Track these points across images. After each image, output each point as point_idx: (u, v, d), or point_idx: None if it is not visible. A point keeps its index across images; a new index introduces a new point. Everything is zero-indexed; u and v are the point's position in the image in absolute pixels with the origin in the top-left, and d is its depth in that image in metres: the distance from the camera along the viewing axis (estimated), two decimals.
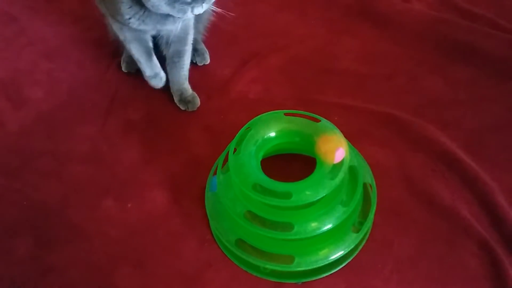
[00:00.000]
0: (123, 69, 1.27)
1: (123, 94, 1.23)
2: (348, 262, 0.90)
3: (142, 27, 1.06)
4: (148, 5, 0.97)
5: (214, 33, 1.32)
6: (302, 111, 0.97)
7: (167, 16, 1.03)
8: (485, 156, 1.04)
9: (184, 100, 1.17)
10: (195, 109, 1.17)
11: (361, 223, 0.90)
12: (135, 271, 0.92)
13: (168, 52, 1.15)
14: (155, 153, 1.10)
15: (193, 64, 1.28)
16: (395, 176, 1.02)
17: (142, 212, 1.00)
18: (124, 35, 1.12)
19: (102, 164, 1.09)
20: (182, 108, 1.17)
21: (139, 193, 1.03)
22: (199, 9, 0.97)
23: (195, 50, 1.28)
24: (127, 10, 1.02)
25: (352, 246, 0.88)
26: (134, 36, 1.12)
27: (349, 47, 1.31)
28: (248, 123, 0.95)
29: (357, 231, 0.89)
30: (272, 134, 0.95)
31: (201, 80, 1.24)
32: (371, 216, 0.91)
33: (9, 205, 1.02)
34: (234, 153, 0.91)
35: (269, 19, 1.41)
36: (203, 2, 0.97)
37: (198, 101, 1.17)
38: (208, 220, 0.97)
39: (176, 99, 1.18)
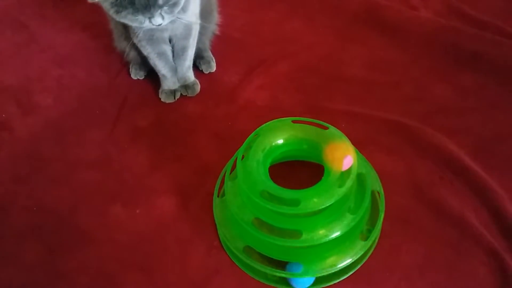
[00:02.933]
0: (132, 76, 1.28)
1: (132, 100, 1.24)
2: (356, 270, 0.89)
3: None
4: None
5: (222, 40, 1.33)
6: (310, 119, 0.98)
7: None
8: (494, 164, 1.03)
9: (186, 86, 1.22)
10: (194, 95, 1.23)
11: (369, 231, 0.90)
12: (143, 277, 0.92)
13: (174, 48, 1.19)
14: (164, 160, 1.10)
15: (199, 71, 1.29)
16: (403, 184, 1.02)
17: (150, 218, 1.00)
18: (147, 50, 1.15)
19: (111, 170, 1.09)
20: (183, 93, 1.23)
21: (147, 199, 1.03)
22: (158, 20, 0.96)
23: (201, 58, 1.29)
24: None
25: (360, 254, 0.88)
26: (154, 49, 1.15)
27: (357, 55, 1.31)
28: (256, 130, 0.95)
29: (365, 239, 0.89)
30: (280, 141, 0.95)
31: (209, 87, 1.25)
32: (379, 223, 0.91)
33: (18, 211, 1.03)
34: (242, 160, 0.91)
35: (277, 26, 1.42)
36: (161, 13, 0.96)
37: (198, 88, 1.23)
38: (215, 226, 0.97)
39: (179, 84, 1.23)
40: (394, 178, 1.02)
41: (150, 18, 0.96)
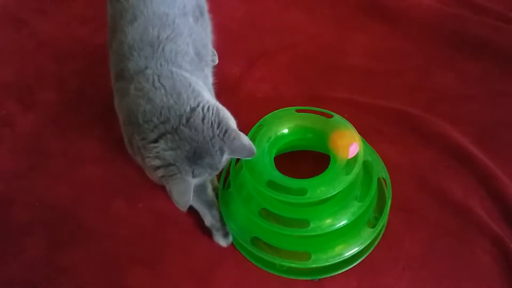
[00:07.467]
0: None
1: None
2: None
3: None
4: None
5: (222, 32, 1.32)
6: (314, 107, 0.97)
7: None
8: (498, 152, 1.03)
9: None
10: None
11: (377, 219, 0.90)
12: (146, 270, 0.92)
13: None
14: None
15: None
16: (407, 173, 1.01)
17: (153, 212, 1.00)
18: None
19: (113, 165, 1.08)
20: None
21: (149, 193, 1.03)
22: None
23: None
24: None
25: (368, 242, 0.87)
26: None
27: (358, 44, 1.30)
28: (260, 120, 0.95)
29: (373, 226, 0.88)
30: (285, 131, 0.94)
31: None
32: (387, 210, 0.91)
33: (21, 206, 1.02)
34: None
35: (277, 17, 1.40)
36: None
37: None
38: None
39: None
40: (397, 168, 1.01)
41: None
